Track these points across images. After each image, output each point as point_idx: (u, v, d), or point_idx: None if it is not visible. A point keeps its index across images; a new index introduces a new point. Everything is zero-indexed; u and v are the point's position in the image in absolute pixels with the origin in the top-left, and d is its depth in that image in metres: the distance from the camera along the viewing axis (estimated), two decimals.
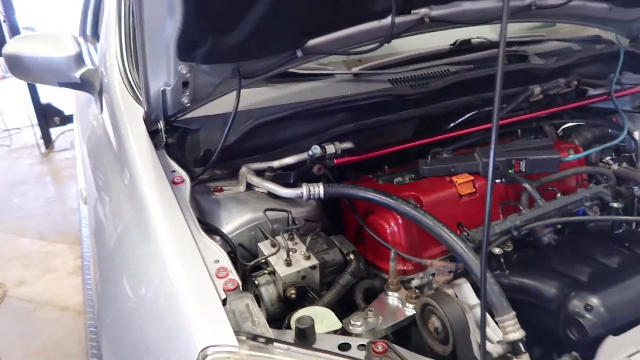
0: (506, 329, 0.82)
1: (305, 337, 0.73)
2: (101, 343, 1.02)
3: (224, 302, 0.75)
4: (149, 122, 1.12)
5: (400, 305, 0.93)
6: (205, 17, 0.94)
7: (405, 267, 1.01)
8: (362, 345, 0.74)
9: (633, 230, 1.06)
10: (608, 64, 1.57)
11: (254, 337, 0.71)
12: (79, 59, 1.45)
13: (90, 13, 2.73)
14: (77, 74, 1.46)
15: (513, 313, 0.82)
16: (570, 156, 1.15)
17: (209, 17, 0.94)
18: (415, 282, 0.99)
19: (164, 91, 1.06)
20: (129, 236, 0.94)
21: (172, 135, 1.14)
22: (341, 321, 0.84)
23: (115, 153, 1.18)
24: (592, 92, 1.53)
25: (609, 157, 1.31)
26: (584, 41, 1.72)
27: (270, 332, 0.73)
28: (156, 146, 1.07)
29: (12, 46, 1.50)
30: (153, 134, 1.11)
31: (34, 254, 3.29)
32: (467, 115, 1.32)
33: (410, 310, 0.91)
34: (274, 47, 1.10)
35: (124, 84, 1.26)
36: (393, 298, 0.94)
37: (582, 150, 1.25)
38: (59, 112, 5.19)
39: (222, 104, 1.17)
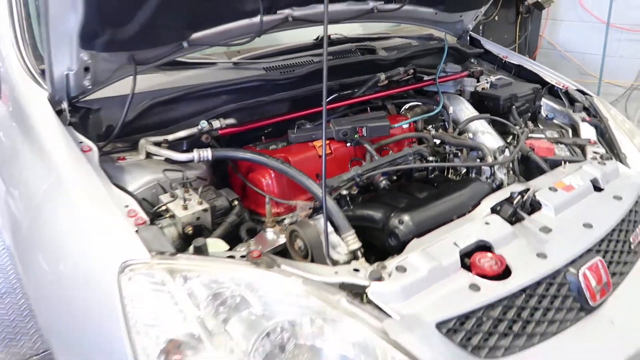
0: (348, 242, 1.14)
1: (200, 252, 0.99)
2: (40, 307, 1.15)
3: (136, 232, 0.98)
4: (54, 103, 1.28)
5: (275, 237, 1.22)
6: (103, 11, 1.14)
7: (278, 210, 1.30)
8: (243, 255, 1.02)
9: (442, 175, 1.46)
10: (438, 57, 1.99)
11: (162, 252, 0.95)
12: None
13: None
14: None
15: (352, 231, 1.14)
16: (396, 124, 1.53)
17: (106, 11, 1.15)
18: (286, 221, 1.29)
19: (67, 75, 1.23)
20: (49, 200, 1.12)
21: (75, 115, 1.31)
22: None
23: (21, 132, 1.32)
24: (426, 78, 1.94)
25: (431, 126, 1.72)
26: (420, 38, 2.14)
27: (174, 250, 0.98)
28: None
29: None
30: (57, 114, 1.28)
31: None
32: (330, 98, 1.64)
33: (282, 240, 1.20)
34: (162, 39, 1.33)
35: (24, 70, 1.40)
36: (270, 233, 1.23)
37: (411, 123, 1.64)
38: None
39: (119, 88, 1.36)
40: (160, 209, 1.15)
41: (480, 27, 3.57)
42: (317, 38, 1.86)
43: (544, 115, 1.98)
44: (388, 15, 1.81)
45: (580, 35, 4.09)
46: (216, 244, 1.09)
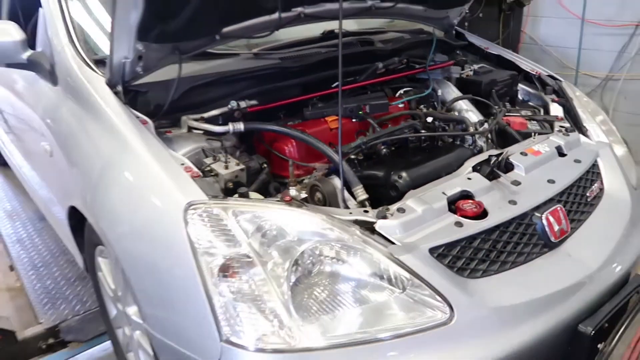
0: (357, 194, 1.42)
1: (244, 197, 1.27)
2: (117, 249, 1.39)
3: (194, 181, 1.26)
4: (110, 86, 1.55)
5: (297, 194, 1.49)
6: (157, 10, 1.41)
7: (299, 172, 1.58)
8: (277, 200, 1.30)
9: (432, 144, 1.76)
10: (427, 48, 2.27)
11: (215, 196, 1.23)
12: (24, 44, 1.80)
13: None
14: (24, 56, 1.80)
15: (360, 185, 1.42)
16: (394, 102, 1.82)
17: (160, 10, 1.42)
18: (306, 180, 1.56)
19: (124, 63, 1.50)
20: (117, 162, 1.39)
21: (127, 96, 1.58)
22: None
23: (82, 111, 1.59)
24: (417, 66, 2.22)
25: (422, 105, 2.01)
26: (412, 32, 2.42)
27: (223, 195, 1.25)
28: None
29: None
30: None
31: None
32: (336, 83, 1.92)
33: (303, 195, 1.48)
34: (201, 32, 1.60)
35: (81, 61, 1.66)
36: (292, 190, 1.50)
37: (406, 103, 1.93)
38: None
39: (159, 75, 1.63)
40: (206, 169, 1.42)
41: (466, 24, 3.85)
42: (324, 32, 2.13)
43: (520, 98, 2.28)
44: (383, 12, 2.09)
45: (559, 31, 4.39)
46: (254, 195, 1.37)
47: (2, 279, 3.15)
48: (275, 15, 1.71)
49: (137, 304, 1.35)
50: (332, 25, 2.15)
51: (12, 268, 3.02)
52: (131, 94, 1.59)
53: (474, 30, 3.99)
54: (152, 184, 1.29)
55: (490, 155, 1.58)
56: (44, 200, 2.44)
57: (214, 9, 1.56)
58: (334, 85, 1.83)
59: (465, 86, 2.17)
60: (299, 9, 1.79)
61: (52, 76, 1.79)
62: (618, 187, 1.74)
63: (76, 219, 1.77)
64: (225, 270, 1.15)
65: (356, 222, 1.28)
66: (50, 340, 2.15)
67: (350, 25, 2.39)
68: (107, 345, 2.02)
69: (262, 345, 1.10)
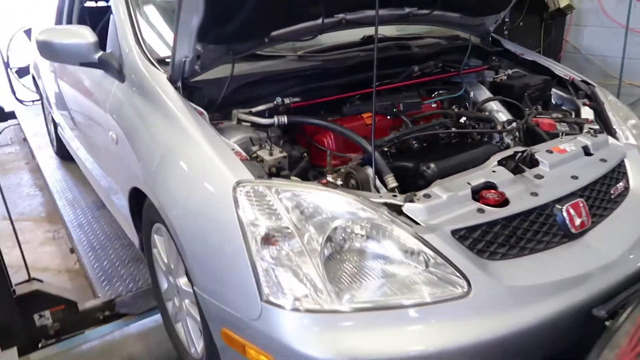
0: (388, 182, 1.56)
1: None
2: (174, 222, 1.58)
3: (244, 164, 1.43)
4: (171, 81, 1.76)
5: (333, 181, 1.65)
6: (215, 15, 1.60)
7: (336, 162, 1.73)
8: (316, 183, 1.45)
9: (461, 141, 1.87)
10: (463, 54, 2.39)
11: (261, 176, 1.40)
12: (97, 45, 2.04)
13: (65, 11, 3.27)
14: (96, 56, 2.05)
15: (391, 174, 1.56)
16: (426, 101, 1.95)
17: (217, 15, 1.61)
18: (342, 170, 1.71)
19: (184, 61, 1.70)
20: (178, 146, 1.59)
21: (185, 91, 1.78)
22: None
23: (147, 103, 1.80)
24: (452, 70, 2.34)
25: (454, 105, 2.12)
26: (449, 38, 2.54)
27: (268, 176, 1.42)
28: None
29: (43, 35, 2.05)
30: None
31: (1, 231, 3.66)
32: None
33: (338, 182, 1.63)
34: (252, 35, 1.79)
35: (147, 60, 1.88)
36: (329, 177, 1.65)
37: (439, 103, 2.05)
38: None
39: (214, 73, 1.82)
40: (253, 155, 1.60)
41: (506, 32, 3.93)
42: (364, 37, 2.29)
43: (554, 102, 2.35)
44: (420, 18, 2.23)
45: (602, 40, 4.39)
46: (294, 179, 1.53)
47: (62, 262, 3.46)
48: (319, 21, 1.88)
49: (189, 270, 1.53)
50: (372, 30, 2.29)
51: (72, 250, 3.31)
52: (189, 90, 1.79)
53: (514, 38, 4.08)
54: (206, 165, 1.48)
55: (515, 151, 1.68)
56: (105, 190, 2.70)
57: (264, 14, 1.75)
58: (377, 84, 1.98)
59: (499, 89, 2.27)
60: (341, 16, 1.96)
61: (119, 74, 2.02)
62: None
63: (136, 201, 1.99)
64: (268, 240, 1.32)
65: (385, 204, 1.42)
66: (107, 313, 2.38)
67: (390, 31, 2.53)
68: (157, 317, 2.22)
69: (297, 305, 1.25)
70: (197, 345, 1.79)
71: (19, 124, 5.46)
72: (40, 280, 2.31)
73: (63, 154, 4.07)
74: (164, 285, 2.01)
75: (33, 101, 5.80)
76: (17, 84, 5.92)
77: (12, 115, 5.51)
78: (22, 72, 5.80)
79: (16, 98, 5.93)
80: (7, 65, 5.83)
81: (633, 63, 4.23)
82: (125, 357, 2.04)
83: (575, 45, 4.61)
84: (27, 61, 5.41)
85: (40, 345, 2.20)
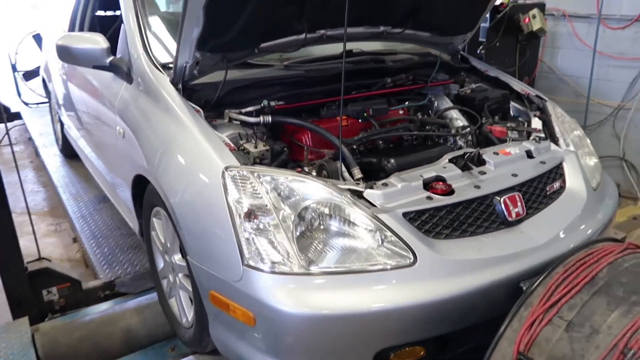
0: (354, 174, 1.84)
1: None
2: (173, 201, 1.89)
3: (231, 153, 1.71)
4: (173, 84, 2.04)
5: (308, 171, 1.92)
6: (213, 28, 1.89)
7: (312, 157, 2.01)
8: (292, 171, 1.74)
9: (422, 143, 2.17)
10: (432, 68, 2.68)
11: (245, 163, 1.68)
12: (109, 51, 2.33)
13: (78, 18, 3.57)
14: (108, 60, 2.34)
15: (357, 167, 1.84)
16: (392, 108, 2.24)
17: (215, 28, 1.90)
18: (317, 163, 1.99)
19: (185, 66, 1.99)
20: (177, 138, 1.87)
21: (185, 93, 2.06)
22: None
23: (152, 102, 2.09)
24: (420, 83, 2.63)
25: (419, 113, 2.42)
26: (421, 55, 2.83)
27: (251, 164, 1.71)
28: None
29: (62, 41, 2.34)
30: None
31: None
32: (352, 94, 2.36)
33: (313, 174, 1.90)
34: (243, 46, 2.08)
35: (152, 65, 2.17)
36: (306, 169, 1.93)
37: (406, 110, 2.35)
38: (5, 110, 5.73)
39: (210, 77, 2.10)
40: (240, 147, 1.88)
41: (483, 52, 4.25)
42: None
43: (512, 114, 2.65)
44: (394, 36, 2.53)
45: (574, 61, 4.72)
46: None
47: (64, 252, 3.72)
48: (302, 36, 2.18)
49: (184, 242, 1.80)
50: (350, 45, 2.60)
51: (75, 240, 3.57)
52: (188, 91, 2.07)
53: (491, 57, 4.41)
54: (202, 154, 1.76)
55: (465, 152, 1.97)
56: (108, 182, 2.97)
57: (254, 28, 2.04)
58: (354, 93, 2.29)
59: (462, 101, 2.57)
60: (322, 32, 2.25)
61: (128, 76, 2.31)
62: (578, 186, 2.09)
63: (138, 189, 2.26)
64: (249, 215, 1.59)
65: (349, 190, 1.70)
66: (107, 292, 2.64)
67: (373, 46, 2.83)
68: (153, 295, 2.48)
69: (274, 269, 1.52)
70: (188, 315, 2.06)
71: (24, 124, 5.73)
72: (49, 260, 2.57)
73: (67, 152, 4.34)
74: (160, 264, 2.27)
75: (37, 104, 6.08)
76: (23, 86, 6.20)
77: (18, 116, 5.80)
78: (29, 75, 6.09)
79: (22, 100, 6.22)
80: (14, 68, 6.12)
81: (602, 84, 4.55)
82: (123, 328, 2.29)
83: (550, 65, 4.93)
84: (34, 65, 5.70)
85: (47, 318, 2.46)
